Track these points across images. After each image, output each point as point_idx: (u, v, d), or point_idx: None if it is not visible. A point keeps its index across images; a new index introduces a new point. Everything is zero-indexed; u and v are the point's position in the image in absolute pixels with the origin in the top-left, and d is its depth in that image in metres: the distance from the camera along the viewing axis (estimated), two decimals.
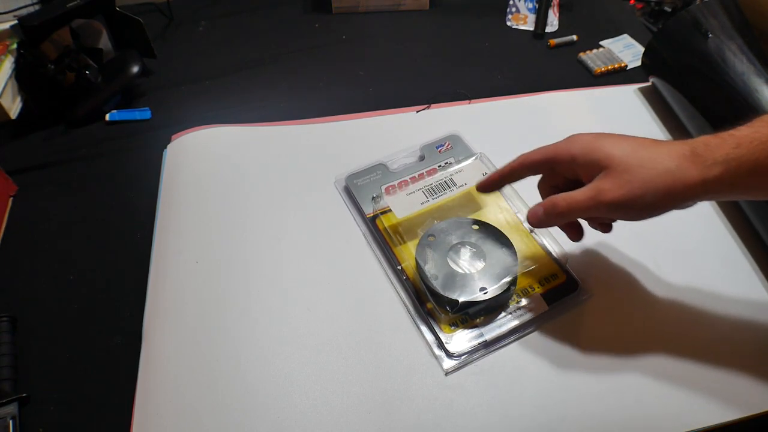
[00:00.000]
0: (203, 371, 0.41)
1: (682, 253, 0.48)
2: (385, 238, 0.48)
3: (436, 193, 0.50)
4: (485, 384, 0.41)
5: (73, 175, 0.57)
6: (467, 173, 0.51)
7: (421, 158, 0.54)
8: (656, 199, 0.35)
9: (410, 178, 0.52)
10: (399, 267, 0.46)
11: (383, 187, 0.50)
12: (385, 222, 0.49)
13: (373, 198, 0.50)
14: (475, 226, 0.46)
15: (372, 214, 0.50)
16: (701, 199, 0.36)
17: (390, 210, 0.49)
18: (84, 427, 0.40)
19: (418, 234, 0.46)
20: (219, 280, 0.46)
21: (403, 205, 0.49)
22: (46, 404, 0.41)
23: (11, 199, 0.55)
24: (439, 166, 0.53)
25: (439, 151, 0.55)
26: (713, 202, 0.52)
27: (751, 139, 0.33)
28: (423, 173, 0.52)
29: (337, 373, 0.41)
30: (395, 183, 0.51)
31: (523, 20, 0.75)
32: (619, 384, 0.40)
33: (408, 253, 0.46)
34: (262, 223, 0.50)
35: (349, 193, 0.52)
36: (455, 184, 0.50)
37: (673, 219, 0.50)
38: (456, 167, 0.51)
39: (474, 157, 0.52)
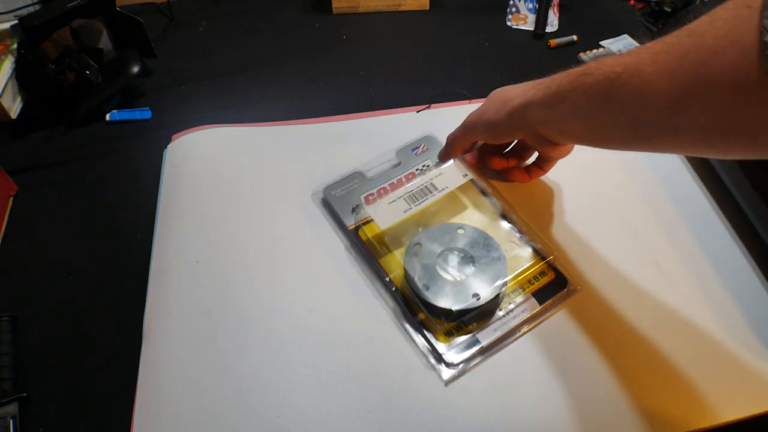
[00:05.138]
0: (203, 371, 0.41)
1: (676, 249, 0.48)
2: (369, 249, 0.47)
3: (417, 200, 0.48)
4: (484, 387, 0.40)
5: (73, 175, 0.57)
6: (447, 176, 0.49)
7: (398, 164, 0.53)
8: (495, 110, 0.44)
9: (389, 185, 0.51)
10: (387, 278, 0.45)
11: (362, 196, 0.49)
12: (368, 232, 0.48)
13: (353, 210, 0.49)
14: (461, 231, 0.46)
15: (354, 226, 0.48)
16: (527, 116, 0.42)
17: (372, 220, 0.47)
18: (84, 427, 0.40)
19: (403, 243, 0.46)
20: (219, 279, 0.46)
21: (386, 215, 0.47)
22: (46, 404, 0.41)
23: (11, 199, 0.55)
24: (417, 170, 0.52)
25: (415, 154, 0.54)
26: (712, 201, 0.52)
27: (568, 74, 0.38)
28: (401, 179, 0.51)
29: (337, 372, 0.41)
30: (374, 191, 0.50)
31: (523, 20, 0.75)
32: (616, 381, 0.40)
33: (395, 263, 0.45)
34: (262, 222, 0.50)
35: (328, 206, 0.51)
36: (436, 189, 0.48)
37: (670, 219, 0.50)
38: (436, 171, 0.50)
39: (452, 161, 0.50)
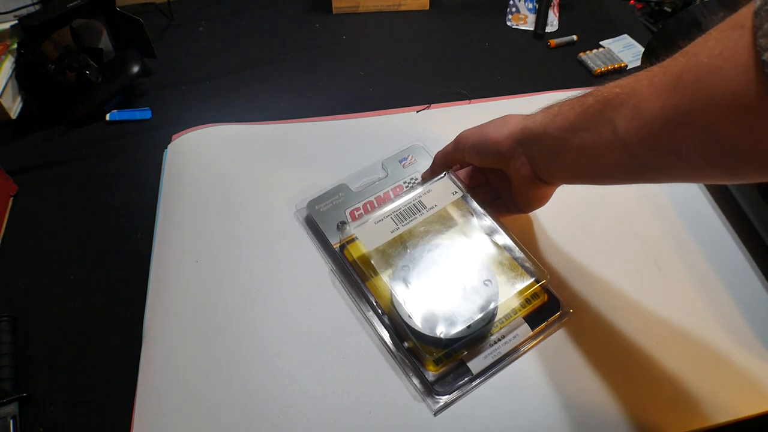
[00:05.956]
0: (203, 371, 0.41)
1: (676, 249, 0.48)
2: (356, 270, 0.45)
3: (406, 219, 0.45)
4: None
5: (73, 175, 0.57)
6: (436, 194, 0.47)
7: (384, 175, 0.52)
8: (495, 126, 0.43)
9: (375, 199, 0.50)
10: (375, 302, 0.43)
11: (347, 212, 0.48)
12: (354, 253, 0.46)
13: (338, 227, 0.48)
14: (451, 253, 0.43)
15: (339, 244, 0.47)
16: (517, 148, 0.41)
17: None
18: (84, 427, 0.40)
19: (390, 264, 0.43)
20: (219, 280, 0.46)
21: (372, 235, 0.45)
22: (46, 404, 0.41)
23: (11, 199, 0.55)
24: (405, 182, 0.51)
25: (403, 165, 0.53)
26: (712, 201, 0.52)
27: (574, 96, 0.38)
28: (389, 192, 0.50)
29: (338, 372, 0.41)
30: (360, 205, 0.49)
31: (523, 20, 0.75)
32: (613, 393, 0.40)
33: (383, 286, 0.43)
34: (263, 222, 0.50)
35: (311, 222, 0.49)
36: (425, 207, 0.46)
37: (670, 219, 0.50)
38: (425, 188, 0.47)
39: (442, 177, 0.48)
